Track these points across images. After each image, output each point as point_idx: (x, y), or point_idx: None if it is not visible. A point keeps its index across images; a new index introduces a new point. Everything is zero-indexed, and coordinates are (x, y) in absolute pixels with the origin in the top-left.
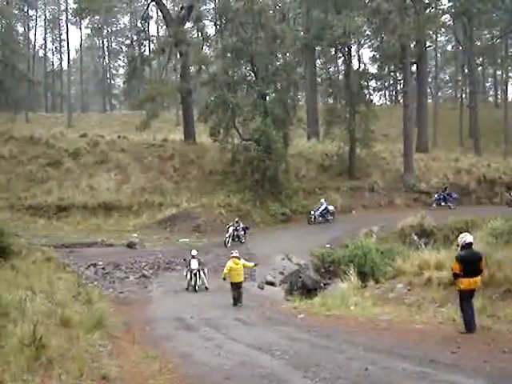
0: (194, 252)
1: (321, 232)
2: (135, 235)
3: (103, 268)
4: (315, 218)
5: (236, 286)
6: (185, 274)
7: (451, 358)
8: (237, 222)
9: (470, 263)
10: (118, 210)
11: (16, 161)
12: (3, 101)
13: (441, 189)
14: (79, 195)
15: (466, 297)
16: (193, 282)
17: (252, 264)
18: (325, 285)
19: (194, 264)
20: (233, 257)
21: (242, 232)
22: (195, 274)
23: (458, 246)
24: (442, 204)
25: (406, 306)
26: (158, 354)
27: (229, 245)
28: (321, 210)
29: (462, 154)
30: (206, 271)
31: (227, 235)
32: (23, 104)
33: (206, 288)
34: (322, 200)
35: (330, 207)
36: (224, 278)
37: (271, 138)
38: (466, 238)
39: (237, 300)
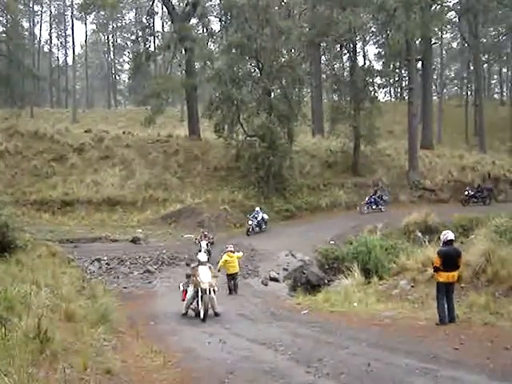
0: (203, 257)
1: (325, 229)
2: (139, 230)
3: (107, 263)
4: (253, 228)
5: (231, 277)
6: (181, 287)
7: (454, 355)
8: (205, 234)
9: (450, 258)
10: (122, 206)
11: (21, 156)
12: (8, 96)
13: (371, 192)
14: (84, 190)
15: (442, 290)
16: (202, 306)
17: (241, 254)
18: (328, 281)
19: (206, 275)
20: (228, 251)
21: (211, 248)
22: (206, 292)
23: (440, 242)
24: (374, 207)
25: (410, 302)
26: (162, 348)
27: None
28: (259, 219)
29: (467, 151)
30: (216, 286)
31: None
32: (28, 99)
33: (216, 314)
34: (258, 209)
35: (265, 216)
36: (219, 270)
37: (276, 134)
38: (448, 235)
39: (232, 290)
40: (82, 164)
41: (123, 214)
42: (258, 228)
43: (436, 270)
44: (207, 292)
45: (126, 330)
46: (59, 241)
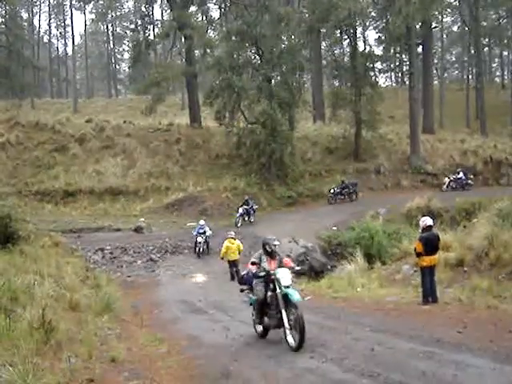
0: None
1: (327, 214)
2: (142, 219)
3: (111, 252)
4: (202, 248)
5: (233, 264)
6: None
7: (457, 338)
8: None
9: (431, 243)
10: (124, 195)
11: (22, 147)
12: (9, 87)
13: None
14: (86, 180)
15: (426, 273)
16: None
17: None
18: (332, 267)
19: None
20: (229, 237)
21: None
22: None
23: (419, 228)
24: (246, 219)
25: (413, 287)
26: (166, 336)
27: None
28: (208, 234)
29: (469, 135)
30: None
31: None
32: (29, 90)
33: None
34: (202, 222)
35: (210, 231)
36: (222, 258)
37: (277, 121)
38: (427, 221)
39: (234, 277)
40: (84, 154)
41: (126, 203)
42: (205, 245)
43: (419, 255)
44: None
45: (130, 319)
46: (62, 231)
